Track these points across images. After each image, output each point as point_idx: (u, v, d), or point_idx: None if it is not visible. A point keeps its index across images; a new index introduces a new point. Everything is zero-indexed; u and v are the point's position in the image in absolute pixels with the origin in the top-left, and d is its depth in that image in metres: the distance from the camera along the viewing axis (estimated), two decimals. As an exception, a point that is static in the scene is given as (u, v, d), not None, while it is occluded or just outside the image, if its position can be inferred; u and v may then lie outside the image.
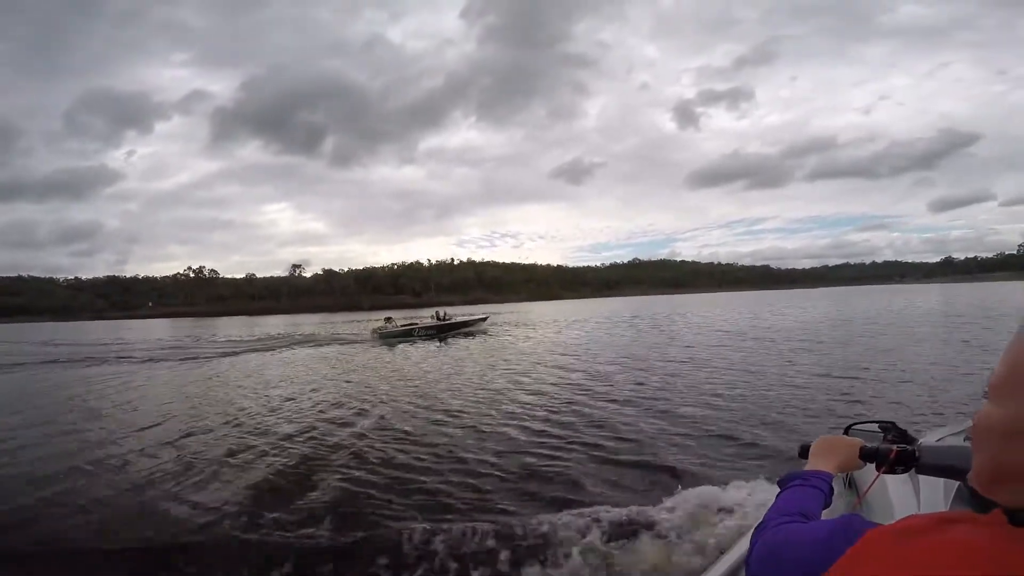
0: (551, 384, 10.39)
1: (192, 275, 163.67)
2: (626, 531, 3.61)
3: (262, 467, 5.77)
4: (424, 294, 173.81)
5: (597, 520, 3.76)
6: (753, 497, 3.84)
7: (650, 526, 3.65)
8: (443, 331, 25.43)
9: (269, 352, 20.43)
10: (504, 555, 3.48)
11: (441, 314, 27.36)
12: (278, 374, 13.79)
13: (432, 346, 20.25)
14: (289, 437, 7.03)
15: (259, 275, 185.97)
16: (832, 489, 0.88)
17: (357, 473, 5.40)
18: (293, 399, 9.86)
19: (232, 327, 45.63)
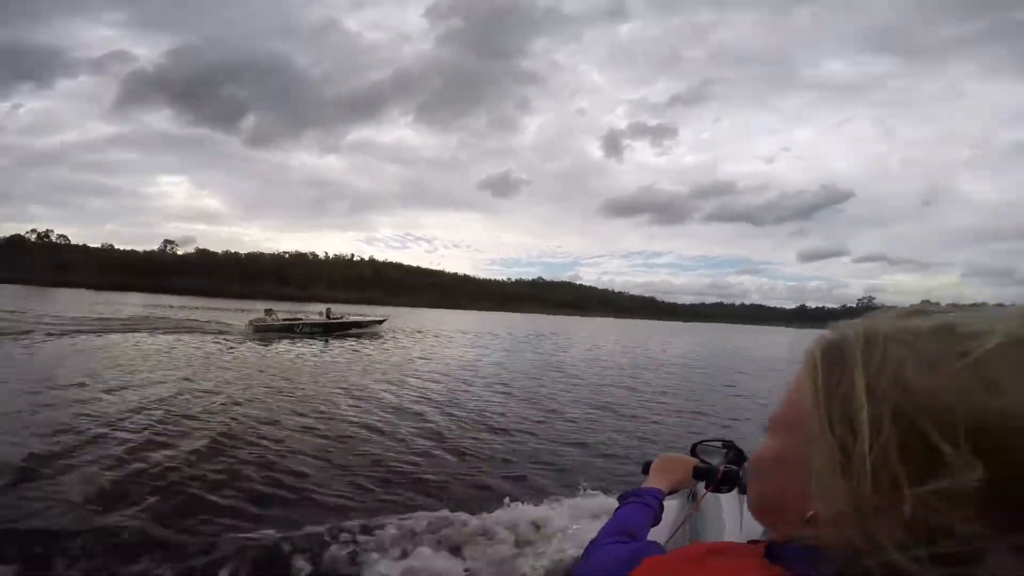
0: (434, 395, 9.58)
1: (34, 238, 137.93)
2: (463, 538, 3.65)
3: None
4: (311, 287, 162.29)
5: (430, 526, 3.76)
6: (580, 512, 4.10)
7: (489, 535, 3.68)
8: (331, 330, 22.98)
9: (98, 335, 16.46)
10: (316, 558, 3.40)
11: (331, 311, 24.67)
12: (88, 366, 10.53)
13: (316, 346, 17.91)
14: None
15: (120, 247, 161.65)
16: (662, 506, 0.92)
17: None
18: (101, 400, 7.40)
19: (65, 302, 37.63)
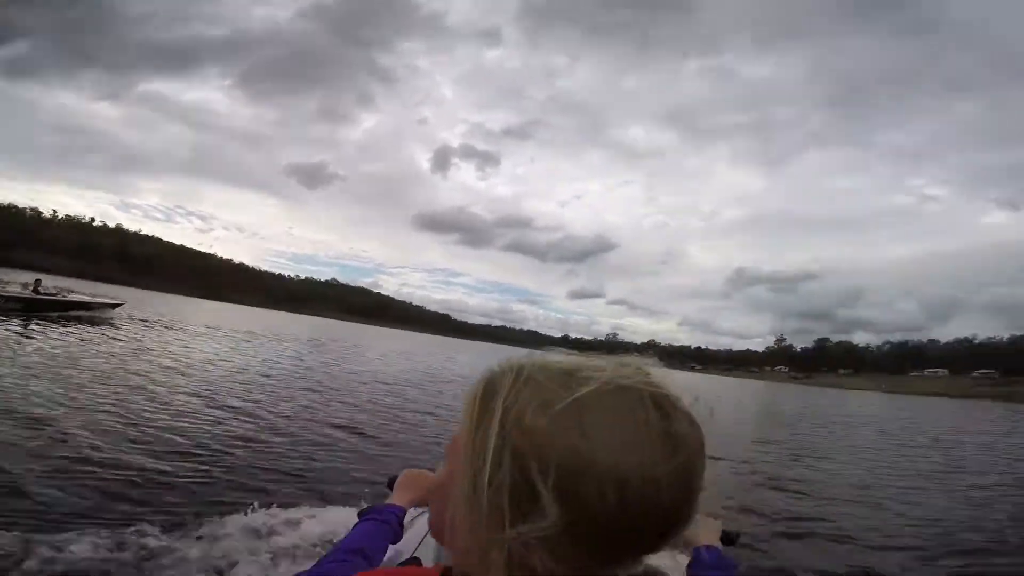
0: (162, 404, 8.07)
1: None
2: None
3: None
4: (16, 251, 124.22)
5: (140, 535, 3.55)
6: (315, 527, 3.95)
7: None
8: (36, 308, 18.78)
9: None
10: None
11: (41, 285, 20.06)
12: None
13: (6, 328, 14.27)
14: None
15: None
16: (402, 524, 0.89)
17: None
18: None
19: None
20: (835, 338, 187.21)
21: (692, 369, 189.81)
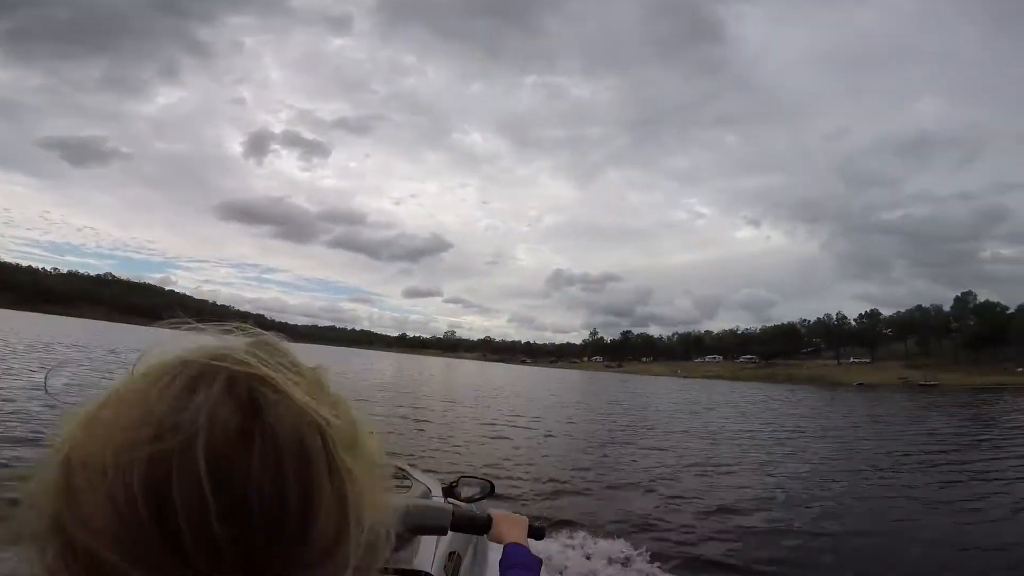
0: None
1: None
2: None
3: None
4: None
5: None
6: None
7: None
8: None
9: None
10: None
11: None
12: None
13: None
14: None
15: None
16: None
17: None
18: None
19: None
20: (636, 331, 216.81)
21: (523, 363, 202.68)
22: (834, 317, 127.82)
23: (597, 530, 5.14)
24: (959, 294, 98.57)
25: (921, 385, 58.63)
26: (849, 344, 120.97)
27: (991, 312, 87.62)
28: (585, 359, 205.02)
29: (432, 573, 1.19)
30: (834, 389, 52.67)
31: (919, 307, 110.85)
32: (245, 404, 0.31)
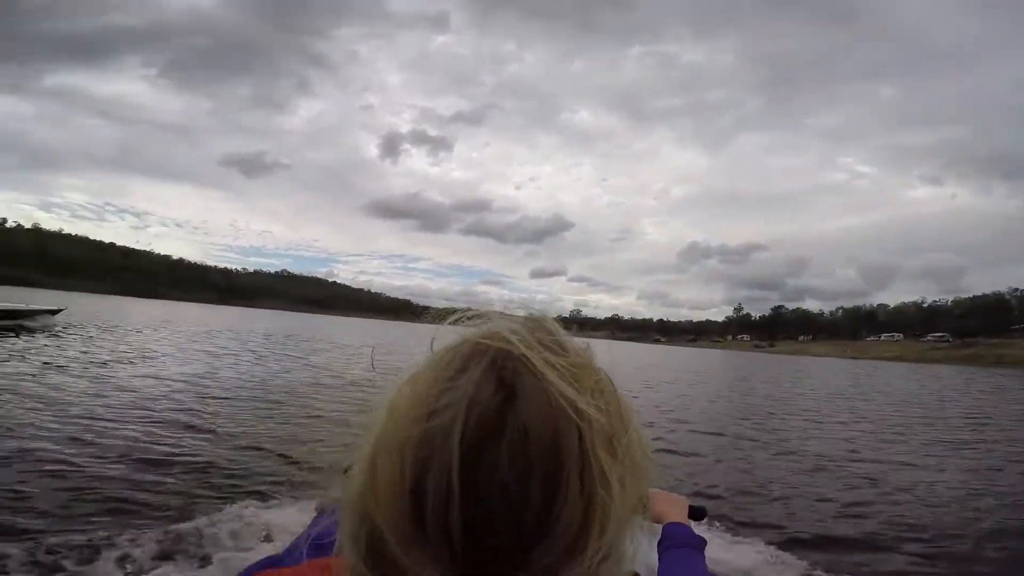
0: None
1: None
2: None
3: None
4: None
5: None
6: None
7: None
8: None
9: None
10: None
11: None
12: None
13: None
14: None
15: None
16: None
17: None
18: None
19: None
20: (790, 305, 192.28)
21: (657, 341, 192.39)
22: None
23: (758, 529, 4.72)
24: None
25: None
26: None
27: None
28: (729, 337, 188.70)
29: None
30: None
31: None
32: (503, 388, 0.31)
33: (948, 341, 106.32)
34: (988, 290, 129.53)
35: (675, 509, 0.92)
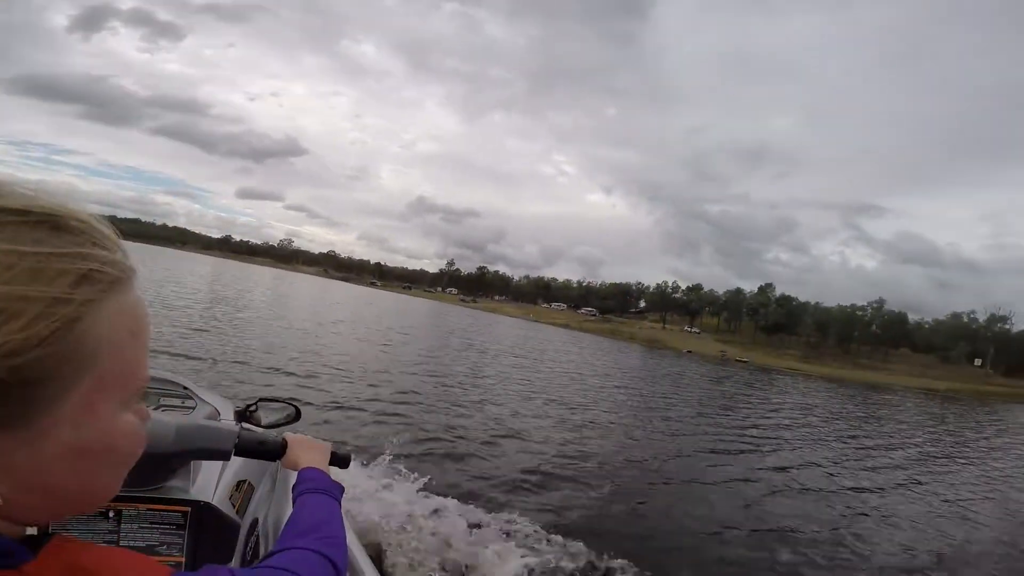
0: None
1: None
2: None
3: None
4: None
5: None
6: None
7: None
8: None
9: None
10: None
11: None
12: None
13: None
14: None
15: None
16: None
17: None
18: None
19: None
20: (489, 268, 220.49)
21: (372, 284, 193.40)
22: (669, 284, 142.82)
23: (411, 463, 4.89)
24: (763, 284, 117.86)
25: (737, 360, 67.64)
26: (673, 311, 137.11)
27: (788, 303, 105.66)
28: (439, 289, 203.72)
29: (214, 503, 1.02)
30: (677, 355, 58.10)
31: (739, 289, 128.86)
32: None
33: (595, 316, 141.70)
34: (617, 280, 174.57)
35: (314, 454, 0.89)
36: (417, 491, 4.25)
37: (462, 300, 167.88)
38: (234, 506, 1.09)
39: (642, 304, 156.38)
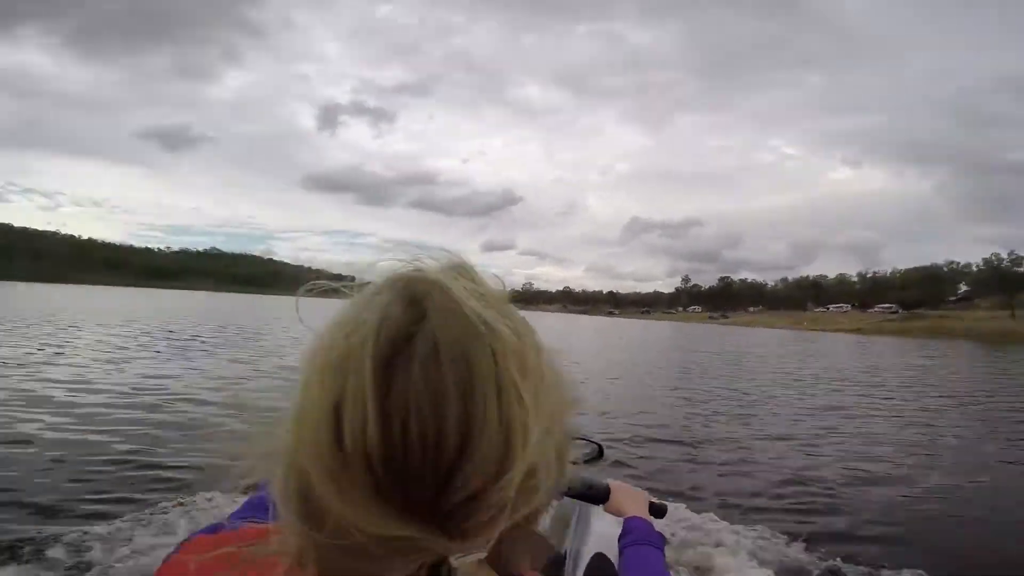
0: None
1: None
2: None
3: None
4: None
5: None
6: None
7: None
8: None
9: None
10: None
11: None
12: None
13: None
14: None
15: None
16: None
17: None
18: None
19: None
20: (727, 277, 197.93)
21: (610, 314, 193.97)
22: (1004, 257, 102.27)
23: (723, 512, 4.33)
24: None
25: None
26: (1017, 291, 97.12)
27: None
28: (680, 309, 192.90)
29: (542, 533, 1.12)
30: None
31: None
32: (413, 305, 0.30)
33: (896, 313, 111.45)
34: (911, 264, 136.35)
35: (635, 503, 0.92)
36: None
37: (710, 317, 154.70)
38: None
39: (962, 289, 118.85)
